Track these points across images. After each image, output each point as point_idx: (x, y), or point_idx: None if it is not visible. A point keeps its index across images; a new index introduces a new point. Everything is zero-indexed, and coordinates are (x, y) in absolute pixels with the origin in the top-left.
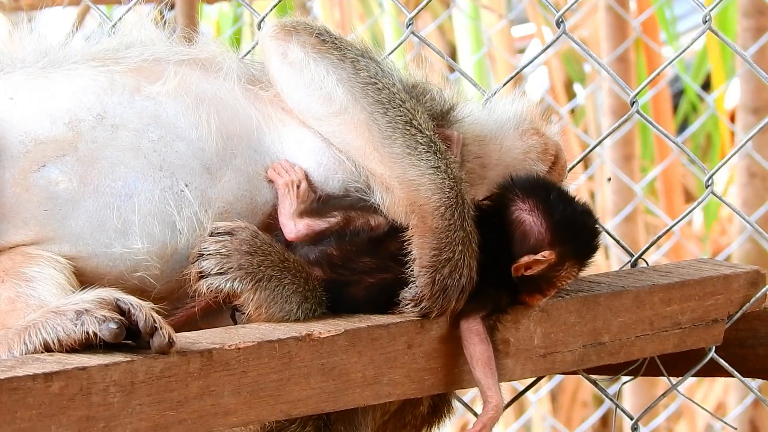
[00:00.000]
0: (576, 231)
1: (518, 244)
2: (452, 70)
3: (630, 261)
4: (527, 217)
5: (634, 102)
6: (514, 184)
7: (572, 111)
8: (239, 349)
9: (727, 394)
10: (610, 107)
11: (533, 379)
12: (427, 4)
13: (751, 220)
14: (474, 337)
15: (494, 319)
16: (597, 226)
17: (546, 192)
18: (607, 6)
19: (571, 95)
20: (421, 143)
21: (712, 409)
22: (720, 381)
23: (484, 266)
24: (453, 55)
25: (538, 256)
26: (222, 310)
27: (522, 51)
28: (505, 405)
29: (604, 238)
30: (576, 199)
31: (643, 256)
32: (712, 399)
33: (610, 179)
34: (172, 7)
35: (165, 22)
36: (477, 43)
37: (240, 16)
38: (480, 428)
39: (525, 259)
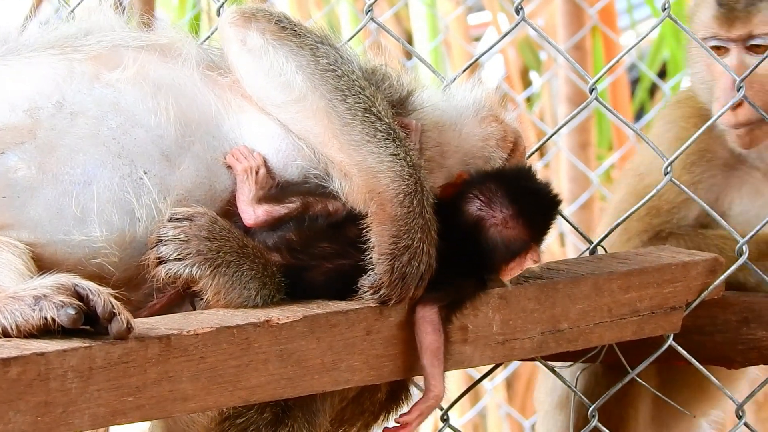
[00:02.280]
0: (547, 222)
1: (498, 247)
2: (409, 57)
3: (588, 248)
4: (505, 231)
5: (593, 89)
6: (475, 177)
7: (528, 99)
8: (197, 335)
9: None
10: (566, 95)
11: (490, 366)
12: None
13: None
14: (427, 326)
15: (452, 309)
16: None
17: (514, 180)
18: None
19: (526, 83)
20: (380, 130)
21: None
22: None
23: (446, 254)
24: (409, 42)
25: (529, 263)
26: (183, 300)
27: (478, 39)
28: (461, 394)
29: (561, 225)
30: (540, 182)
31: (601, 244)
32: None
33: None
34: None
35: (122, 8)
36: (433, 30)
37: (198, 2)
38: (417, 415)
39: (516, 268)
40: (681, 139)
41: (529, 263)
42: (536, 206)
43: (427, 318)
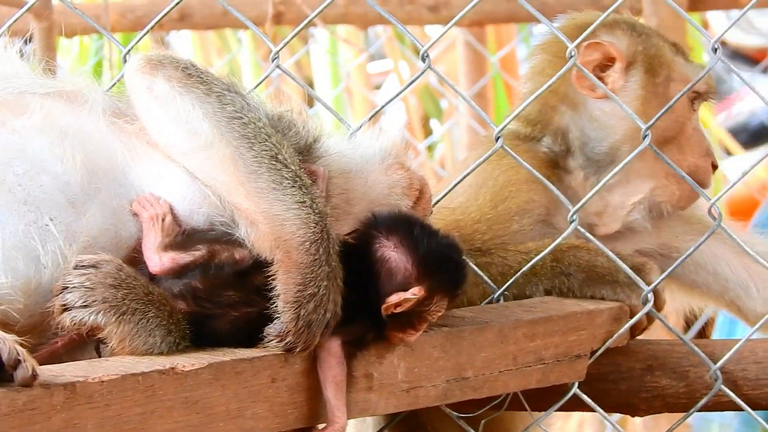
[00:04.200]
0: (442, 264)
1: (386, 281)
2: (311, 105)
3: (494, 296)
4: (393, 254)
5: (498, 137)
6: (377, 221)
7: (429, 147)
8: (102, 382)
9: (582, 428)
10: (467, 143)
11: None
12: (292, 38)
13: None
14: (330, 359)
15: (355, 348)
16: (462, 257)
17: (409, 227)
18: (465, 42)
19: (427, 131)
20: (286, 178)
21: None
22: (575, 415)
23: (351, 301)
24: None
25: (408, 294)
26: (86, 345)
27: (378, 87)
28: None
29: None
30: (440, 232)
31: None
32: None
33: None
34: (30, 40)
35: (23, 55)
36: (335, 78)
37: (100, 49)
38: None
39: (394, 297)
40: (525, 181)
41: (408, 296)
42: (446, 265)
43: (331, 351)
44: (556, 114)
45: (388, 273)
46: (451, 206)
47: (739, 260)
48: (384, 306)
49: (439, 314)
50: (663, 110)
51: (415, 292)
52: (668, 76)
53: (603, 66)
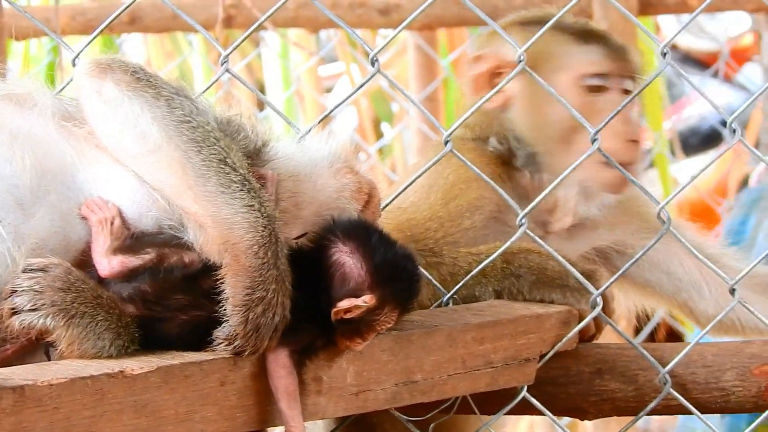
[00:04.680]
0: (397, 275)
1: (338, 286)
2: (261, 108)
3: (443, 299)
4: (348, 259)
5: (447, 141)
6: (335, 225)
7: (380, 150)
8: (51, 385)
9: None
10: (418, 147)
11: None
12: (241, 42)
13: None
14: (280, 370)
15: (304, 356)
16: (418, 270)
17: (367, 235)
18: (416, 45)
19: (378, 134)
20: (235, 182)
21: None
22: (525, 418)
23: (300, 306)
24: (262, 93)
25: (359, 301)
26: (37, 350)
27: (330, 90)
28: None
29: None
30: (398, 242)
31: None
32: None
33: None
34: None
35: None
36: (286, 81)
37: (50, 53)
38: None
39: (345, 303)
40: (475, 179)
41: (384, 327)
42: (398, 272)
43: (280, 362)
44: (490, 118)
45: (341, 278)
46: (402, 206)
47: (692, 260)
48: (334, 311)
49: (388, 325)
50: (611, 116)
51: (366, 300)
52: (555, 67)
53: (497, 74)
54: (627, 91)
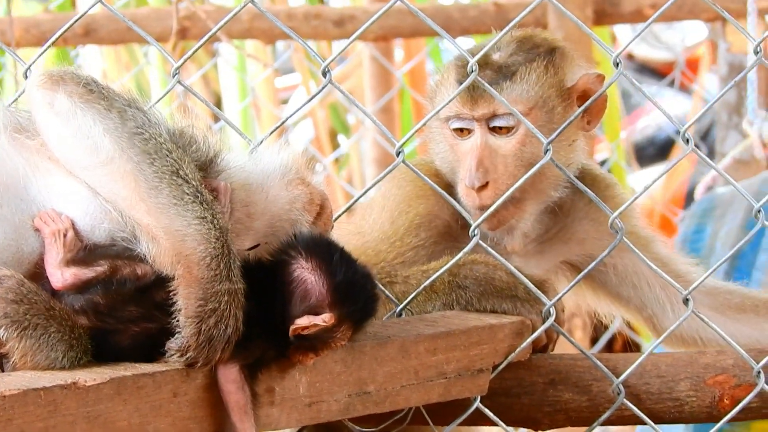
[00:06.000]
0: (356, 295)
1: (297, 302)
2: (217, 119)
3: (395, 310)
4: (309, 276)
5: (399, 152)
6: (298, 240)
7: (336, 161)
8: (4, 397)
9: None
10: (374, 158)
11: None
12: (192, 54)
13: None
14: (230, 385)
15: (256, 368)
16: (376, 290)
17: (329, 252)
18: (371, 57)
19: (335, 145)
20: (187, 193)
21: None
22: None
23: (253, 318)
24: (218, 104)
25: (318, 320)
26: None
27: (286, 101)
28: None
29: None
30: (357, 261)
31: (411, 306)
32: None
33: None
34: None
35: None
36: (242, 92)
37: (4, 65)
38: None
39: (304, 320)
40: (420, 197)
41: (338, 345)
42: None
43: (230, 378)
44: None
45: (301, 294)
46: (362, 230)
47: (655, 278)
48: (292, 327)
49: (343, 343)
50: (559, 129)
51: (326, 319)
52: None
53: None
54: (497, 128)
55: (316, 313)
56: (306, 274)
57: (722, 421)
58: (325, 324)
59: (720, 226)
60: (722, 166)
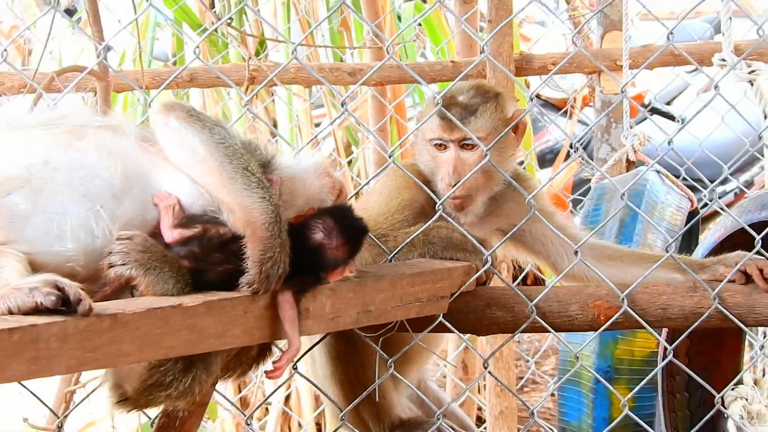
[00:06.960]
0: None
1: (331, 262)
2: (273, 135)
3: (387, 258)
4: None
5: (390, 155)
6: (324, 211)
7: (350, 162)
8: (135, 313)
9: (446, 344)
10: (375, 161)
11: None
12: (256, 92)
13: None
14: (285, 304)
15: (300, 294)
16: (368, 233)
17: (344, 210)
18: (372, 95)
19: (349, 153)
20: (253, 182)
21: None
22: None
23: (296, 260)
24: (274, 125)
25: (347, 272)
26: (125, 290)
27: (318, 125)
28: (305, 351)
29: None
30: (357, 219)
31: (398, 256)
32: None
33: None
34: (95, 93)
35: (85, 101)
36: (290, 118)
37: (138, 101)
38: (285, 360)
39: (338, 272)
40: (405, 187)
41: (347, 273)
42: (353, 235)
43: (286, 299)
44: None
45: (326, 233)
46: (366, 207)
47: (556, 238)
48: (329, 276)
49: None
50: (495, 139)
51: (351, 270)
52: (424, 129)
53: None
54: (465, 145)
55: (342, 265)
56: (329, 221)
57: (599, 331)
58: (352, 275)
59: (609, 206)
60: (605, 166)
